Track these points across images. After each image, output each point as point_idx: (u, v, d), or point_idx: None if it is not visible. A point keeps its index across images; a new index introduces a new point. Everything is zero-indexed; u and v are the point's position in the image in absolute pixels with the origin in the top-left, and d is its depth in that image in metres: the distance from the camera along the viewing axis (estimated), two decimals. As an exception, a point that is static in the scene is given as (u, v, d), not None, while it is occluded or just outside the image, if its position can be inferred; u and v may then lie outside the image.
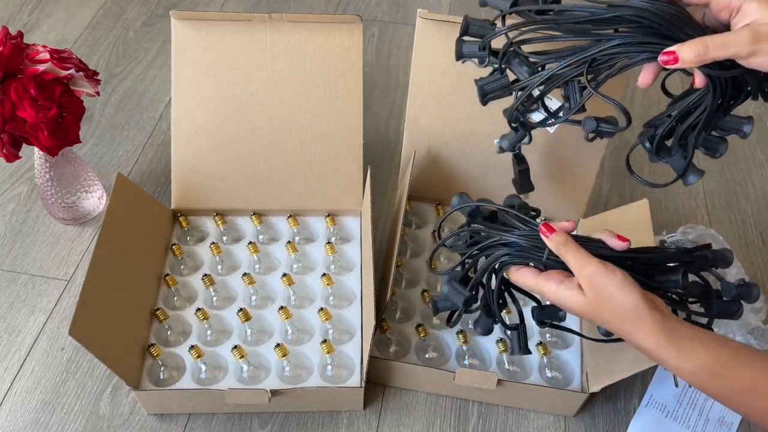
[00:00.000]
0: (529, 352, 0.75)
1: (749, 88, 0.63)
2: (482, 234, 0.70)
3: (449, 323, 0.77)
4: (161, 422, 0.85)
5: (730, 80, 0.62)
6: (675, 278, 0.67)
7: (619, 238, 0.65)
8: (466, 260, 0.72)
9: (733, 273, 0.97)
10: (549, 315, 0.76)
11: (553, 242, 0.64)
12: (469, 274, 0.73)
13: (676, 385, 0.88)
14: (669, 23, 0.60)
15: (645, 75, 0.65)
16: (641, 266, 0.67)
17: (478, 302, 0.74)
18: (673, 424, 0.85)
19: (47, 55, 0.87)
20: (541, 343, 0.87)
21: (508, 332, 0.76)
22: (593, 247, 0.65)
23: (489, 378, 0.82)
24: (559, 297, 0.64)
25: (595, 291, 0.61)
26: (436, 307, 0.75)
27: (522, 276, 0.67)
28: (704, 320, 0.71)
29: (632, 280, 0.61)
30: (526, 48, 0.68)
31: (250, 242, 0.95)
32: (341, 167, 0.97)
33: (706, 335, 0.60)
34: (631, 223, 0.90)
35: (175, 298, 0.92)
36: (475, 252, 0.71)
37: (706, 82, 0.62)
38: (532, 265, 0.68)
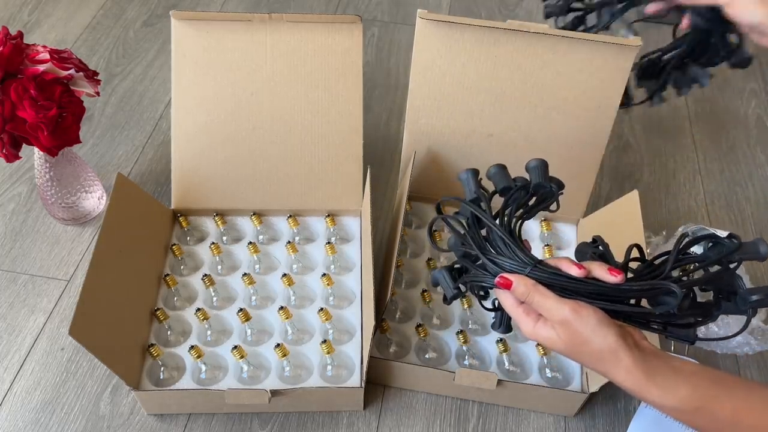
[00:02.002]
0: (510, 330, 0.74)
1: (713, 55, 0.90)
2: (472, 254, 0.70)
3: (445, 302, 0.77)
4: (161, 422, 0.85)
5: (705, 36, 0.87)
6: (671, 300, 0.63)
7: (612, 271, 0.62)
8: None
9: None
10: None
11: (517, 294, 0.63)
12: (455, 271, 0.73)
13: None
14: None
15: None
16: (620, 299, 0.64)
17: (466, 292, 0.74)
18: (673, 424, 0.85)
19: (47, 55, 0.87)
20: (541, 343, 0.87)
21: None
22: (562, 280, 0.63)
23: (489, 378, 0.82)
24: (536, 336, 0.63)
25: (570, 335, 0.61)
26: (433, 279, 0.75)
27: (503, 298, 0.66)
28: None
29: (608, 319, 0.60)
30: None
31: (250, 242, 0.95)
32: (341, 167, 0.97)
33: (686, 368, 0.60)
34: (624, 217, 0.90)
35: (175, 298, 0.92)
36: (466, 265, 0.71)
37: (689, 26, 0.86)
38: None
